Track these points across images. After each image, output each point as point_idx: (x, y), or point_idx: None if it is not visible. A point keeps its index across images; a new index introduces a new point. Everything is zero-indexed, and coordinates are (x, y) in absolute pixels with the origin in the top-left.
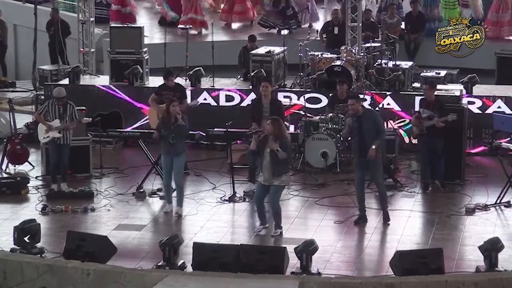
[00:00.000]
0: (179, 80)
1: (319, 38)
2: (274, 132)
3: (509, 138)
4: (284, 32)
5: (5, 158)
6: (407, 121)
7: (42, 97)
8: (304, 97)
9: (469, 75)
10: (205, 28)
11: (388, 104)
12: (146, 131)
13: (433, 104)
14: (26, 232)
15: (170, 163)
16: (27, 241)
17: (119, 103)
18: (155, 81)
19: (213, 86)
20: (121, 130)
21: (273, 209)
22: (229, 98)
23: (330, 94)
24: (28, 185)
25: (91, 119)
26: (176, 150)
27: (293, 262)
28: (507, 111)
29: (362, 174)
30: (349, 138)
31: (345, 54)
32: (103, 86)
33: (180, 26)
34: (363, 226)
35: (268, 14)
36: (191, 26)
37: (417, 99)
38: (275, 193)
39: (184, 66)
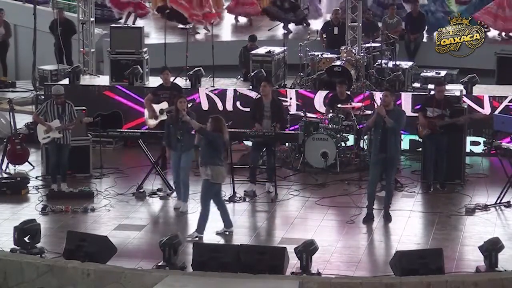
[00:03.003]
0: (179, 80)
1: (319, 38)
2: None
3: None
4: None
5: (5, 158)
6: None
7: (42, 97)
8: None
9: (469, 75)
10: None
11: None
12: (146, 131)
13: (445, 102)
14: (26, 232)
15: (179, 160)
16: (27, 241)
17: (119, 103)
18: (155, 81)
19: (213, 86)
20: (121, 130)
21: (200, 206)
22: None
23: (330, 94)
24: (28, 185)
25: (92, 119)
26: (184, 146)
27: (293, 262)
28: None
29: (378, 172)
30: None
31: (345, 54)
32: None
33: (180, 26)
34: (363, 226)
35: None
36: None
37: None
38: (203, 189)
39: (184, 66)
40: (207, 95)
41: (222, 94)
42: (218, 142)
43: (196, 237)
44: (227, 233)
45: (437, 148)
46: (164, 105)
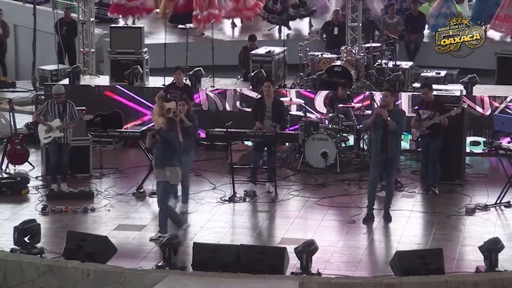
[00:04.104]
0: None
1: (319, 38)
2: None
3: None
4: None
5: (5, 158)
6: None
7: (42, 97)
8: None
9: (469, 75)
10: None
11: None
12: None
13: (433, 104)
14: (26, 232)
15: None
16: (27, 241)
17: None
18: (155, 81)
19: (213, 86)
20: (121, 130)
21: (164, 210)
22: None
23: (330, 94)
24: (28, 185)
25: (92, 116)
26: (184, 148)
27: (293, 262)
28: None
29: (378, 172)
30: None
31: (345, 54)
32: None
33: (180, 26)
34: (363, 226)
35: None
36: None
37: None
38: (161, 191)
39: (184, 66)
40: (208, 95)
41: (222, 94)
42: (176, 143)
43: (160, 237)
44: (161, 239)
45: (429, 150)
46: (172, 104)
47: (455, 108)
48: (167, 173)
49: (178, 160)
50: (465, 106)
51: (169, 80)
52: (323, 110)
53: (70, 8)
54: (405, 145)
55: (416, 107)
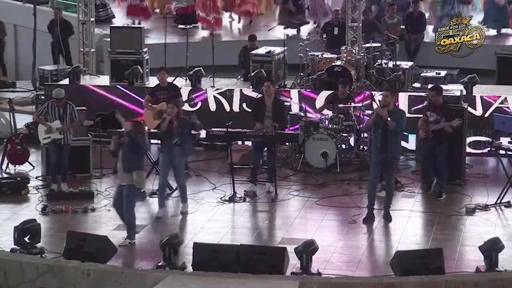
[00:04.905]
0: (179, 80)
1: (319, 38)
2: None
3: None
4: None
5: (5, 158)
6: None
7: (42, 97)
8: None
9: (469, 75)
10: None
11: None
12: (147, 131)
13: (441, 108)
14: (26, 232)
15: (169, 164)
16: (27, 241)
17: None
18: (155, 82)
19: (213, 86)
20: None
21: (125, 214)
22: None
23: (330, 93)
24: (28, 185)
25: (93, 121)
26: (183, 152)
27: (293, 262)
28: None
29: (378, 172)
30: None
31: (345, 54)
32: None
33: (180, 26)
34: (363, 226)
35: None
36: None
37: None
38: (126, 195)
39: (184, 66)
40: (215, 97)
41: (229, 95)
42: (144, 146)
43: (129, 243)
44: (130, 243)
45: (435, 154)
46: (163, 105)
47: (456, 119)
48: (134, 176)
49: (144, 163)
50: (466, 107)
51: (168, 80)
52: (323, 110)
53: (60, 9)
54: (410, 145)
55: (421, 105)
